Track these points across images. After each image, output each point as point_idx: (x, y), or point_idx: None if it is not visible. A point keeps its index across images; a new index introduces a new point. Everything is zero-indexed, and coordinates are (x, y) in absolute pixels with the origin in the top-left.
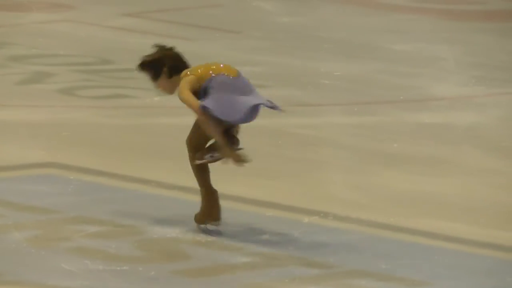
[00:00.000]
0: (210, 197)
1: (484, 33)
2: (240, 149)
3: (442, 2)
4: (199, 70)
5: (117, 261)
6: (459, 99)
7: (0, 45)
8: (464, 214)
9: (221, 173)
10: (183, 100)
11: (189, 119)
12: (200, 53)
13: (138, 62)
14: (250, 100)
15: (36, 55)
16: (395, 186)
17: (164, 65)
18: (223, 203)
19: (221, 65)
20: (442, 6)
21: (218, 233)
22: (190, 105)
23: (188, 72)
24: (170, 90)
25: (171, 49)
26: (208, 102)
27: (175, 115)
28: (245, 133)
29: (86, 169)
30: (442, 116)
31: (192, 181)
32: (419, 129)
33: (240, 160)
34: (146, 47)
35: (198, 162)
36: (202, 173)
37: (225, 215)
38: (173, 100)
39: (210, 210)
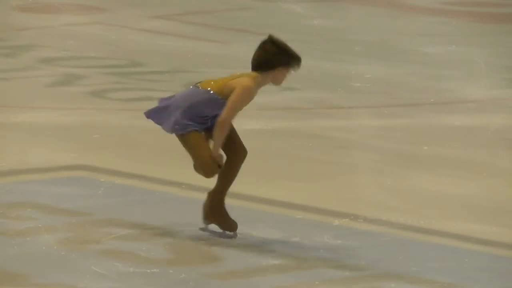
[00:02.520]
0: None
1: None
2: None
3: (471, 5)
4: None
5: (148, 263)
6: (490, 102)
7: (31, 47)
8: (495, 216)
9: (251, 176)
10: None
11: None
12: (231, 55)
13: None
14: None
15: (66, 57)
16: (426, 189)
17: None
18: (253, 205)
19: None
20: (471, 9)
21: (248, 236)
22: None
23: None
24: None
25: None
26: None
27: None
28: (274, 136)
29: (117, 171)
30: (473, 119)
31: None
32: (450, 131)
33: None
34: (176, 50)
35: None
36: None
37: (255, 216)
38: None
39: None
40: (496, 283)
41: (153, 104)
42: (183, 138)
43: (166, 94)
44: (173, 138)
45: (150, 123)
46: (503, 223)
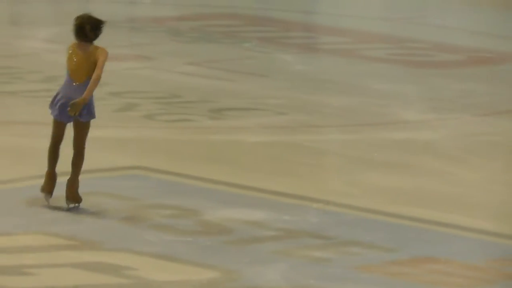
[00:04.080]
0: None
1: (437, 76)
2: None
3: (408, 55)
4: None
5: (184, 234)
6: (419, 122)
7: (103, 84)
8: (418, 201)
9: (256, 172)
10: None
11: (234, 136)
12: (240, 90)
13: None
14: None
15: (127, 91)
16: (375, 183)
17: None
18: (255, 193)
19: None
20: (407, 58)
21: (252, 215)
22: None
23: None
24: None
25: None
26: None
27: (225, 133)
28: (271, 145)
29: (162, 170)
30: (407, 134)
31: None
32: (392, 143)
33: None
34: (203, 86)
35: None
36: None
37: (257, 201)
38: (223, 122)
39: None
40: (394, 242)
41: (188, 124)
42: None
43: (196, 117)
44: (203, 147)
45: (187, 137)
46: (417, 205)
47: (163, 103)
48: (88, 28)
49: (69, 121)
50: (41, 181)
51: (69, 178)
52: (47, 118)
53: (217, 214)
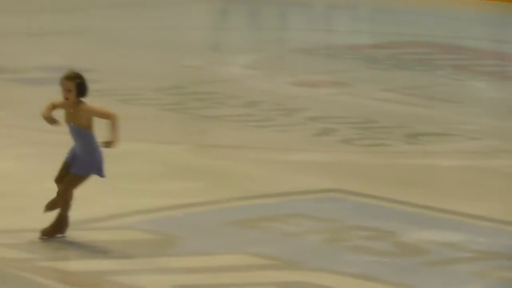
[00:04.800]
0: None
1: None
2: None
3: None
4: None
5: (381, 255)
6: None
7: (302, 109)
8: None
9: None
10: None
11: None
12: (434, 116)
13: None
14: None
15: (324, 116)
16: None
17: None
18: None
19: None
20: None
21: (448, 237)
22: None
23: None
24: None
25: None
26: None
27: (419, 157)
28: (463, 171)
29: (359, 193)
30: None
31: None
32: None
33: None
34: (398, 112)
35: None
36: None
37: (450, 224)
38: (418, 147)
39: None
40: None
41: (384, 149)
42: None
43: (392, 142)
44: (396, 171)
45: (382, 160)
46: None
47: (359, 128)
48: None
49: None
50: (244, 203)
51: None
52: (249, 141)
53: (413, 235)
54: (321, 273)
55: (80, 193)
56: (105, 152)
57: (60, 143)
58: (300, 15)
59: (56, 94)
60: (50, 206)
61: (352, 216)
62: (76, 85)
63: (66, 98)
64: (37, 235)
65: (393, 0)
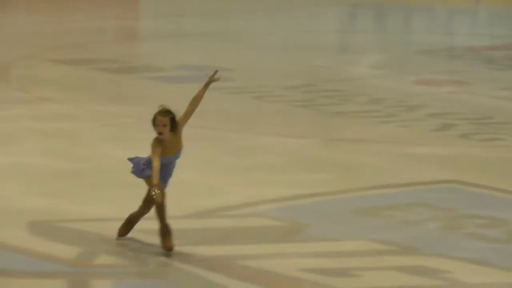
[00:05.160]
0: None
1: None
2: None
3: None
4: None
5: (494, 242)
6: None
7: (423, 106)
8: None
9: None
10: None
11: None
12: None
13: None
14: None
15: (444, 113)
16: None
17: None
18: None
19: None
20: None
21: None
22: None
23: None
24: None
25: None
26: None
27: None
28: None
29: (475, 184)
30: None
31: None
32: None
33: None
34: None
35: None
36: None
37: None
38: None
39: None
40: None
41: (500, 143)
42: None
43: (507, 137)
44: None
45: (498, 154)
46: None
47: (477, 123)
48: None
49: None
50: (367, 193)
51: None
52: (373, 136)
53: None
54: (438, 259)
55: (216, 183)
56: (239, 144)
57: (200, 136)
58: (423, 19)
59: (194, 90)
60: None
61: (468, 206)
62: (170, 120)
63: (160, 133)
64: (172, 222)
65: (510, 5)
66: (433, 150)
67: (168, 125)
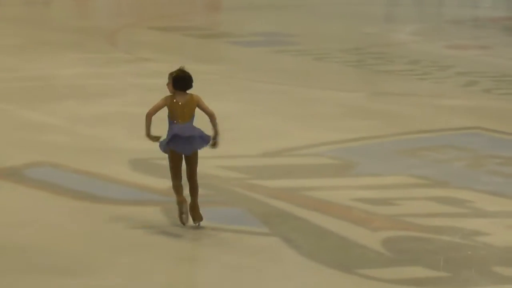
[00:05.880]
0: None
1: None
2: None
3: None
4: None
5: (510, 177)
6: None
7: (451, 66)
8: None
9: None
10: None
11: None
12: None
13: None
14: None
15: (469, 71)
16: None
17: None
18: None
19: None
20: None
21: None
22: None
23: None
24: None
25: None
26: None
27: None
28: None
29: (496, 130)
30: None
31: None
32: None
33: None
34: None
35: None
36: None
37: None
38: None
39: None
40: None
41: None
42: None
43: None
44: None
45: None
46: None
47: (497, 81)
48: (191, 81)
49: (189, 153)
50: (407, 137)
51: (190, 203)
52: (412, 90)
53: None
54: (463, 190)
55: (282, 128)
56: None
57: (269, 90)
58: None
59: (267, 54)
60: (200, 216)
61: (489, 147)
62: (172, 79)
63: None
64: (246, 160)
65: None
66: (460, 102)
67: (170, 83)
